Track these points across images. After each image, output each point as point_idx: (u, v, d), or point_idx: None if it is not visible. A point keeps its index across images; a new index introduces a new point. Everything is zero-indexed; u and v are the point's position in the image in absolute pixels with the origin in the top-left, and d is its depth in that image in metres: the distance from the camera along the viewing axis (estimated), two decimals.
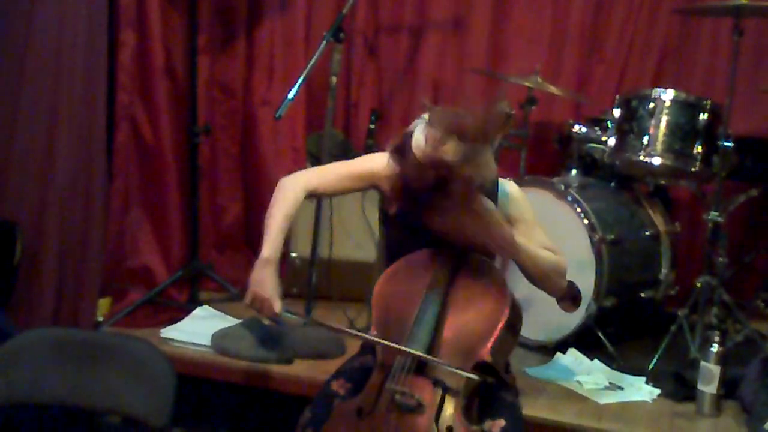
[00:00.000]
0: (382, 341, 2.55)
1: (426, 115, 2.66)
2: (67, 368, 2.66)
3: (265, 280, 2.68)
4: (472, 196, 2.55)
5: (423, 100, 2.71)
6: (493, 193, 2.88)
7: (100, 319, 3.90)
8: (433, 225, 2.64)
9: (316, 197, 3.04)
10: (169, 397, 2.59)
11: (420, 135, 2.59)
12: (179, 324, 3.82)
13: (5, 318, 3.38)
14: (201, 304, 4.05)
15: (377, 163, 2.81)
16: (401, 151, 2.61)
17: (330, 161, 3.75)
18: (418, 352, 2.48)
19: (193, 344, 3.63)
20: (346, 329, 2.78)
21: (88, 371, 2.66)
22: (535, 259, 2.79)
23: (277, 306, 2.67)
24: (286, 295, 4.38)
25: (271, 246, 2.72)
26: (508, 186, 2.94)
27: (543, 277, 2.83)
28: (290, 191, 2.81)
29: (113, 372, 2.64)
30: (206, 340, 3.62)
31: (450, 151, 2.50)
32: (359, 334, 2.73)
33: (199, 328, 3.74)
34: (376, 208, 3.64)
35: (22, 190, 3.66)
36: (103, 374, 2.65)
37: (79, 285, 3.78)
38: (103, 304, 3.99)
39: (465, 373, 2.47)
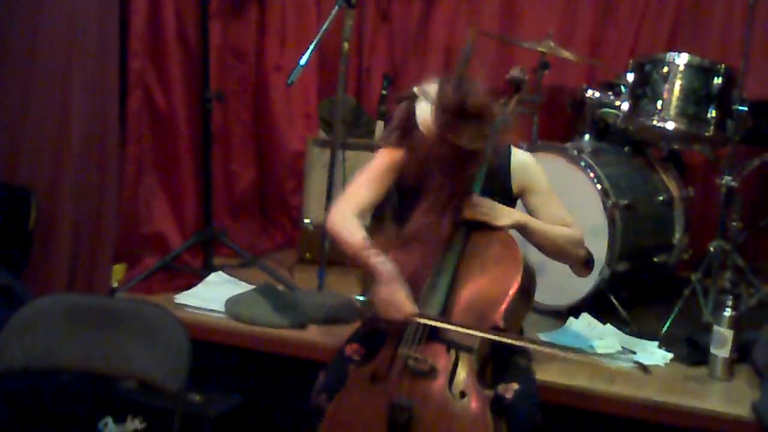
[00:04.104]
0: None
1: (424, 87, 2.68)
2: (83, 334, 2.67)
3: (397, 294, 2.59)
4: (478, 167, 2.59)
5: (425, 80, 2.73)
6: (506, 162, 2.89)
7: (115, 285, 3.91)
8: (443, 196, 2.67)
9: (365, 213, 2.98)
10: (184, 362, 2.61)
11: (424, 111, 2.62)
12: (193, 290, 3.84)
13: (21, 284, 3.40)
14: (215, 270, 4.07)
15: (391, 155, 2.84)
16: (409, 131, 2.64)
17: (342, 127, 3.76)
18: (431, 322, 2.49)
19: (207, 310, 3.65)
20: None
21: (103, 337, 2.67)
22: (549, 237, 2.82)
23: (414, 309, 2.57)
24: (299, 260, 4.45)
25: (379, 263, 2.64)
26: (522, 155, 2.94)
27: (559, 253, 2.87)
28: (346, 220, 2.79)
29: (128, 337, 2.66)
30: (220, 306, 3.64)
31: (459, 130, 2.53)
32: None
33: (213, 294, 3.76)
34: None
35: (36, 157, 3.66)
36: (118, 340, 2.66)
37: (94, 251, 3.80)
38: (118, 270, 4.01)
39: (478, 333, 2.48)
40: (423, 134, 2.64)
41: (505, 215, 2.75)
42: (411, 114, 2.72)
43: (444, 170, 2.63)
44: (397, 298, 2.56)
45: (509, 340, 2.57)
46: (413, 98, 2.73)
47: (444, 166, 2.62)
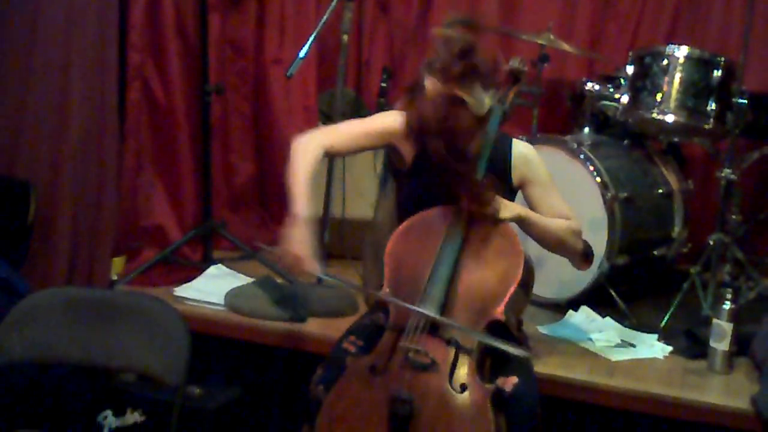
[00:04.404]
0: (401, 302, 2.56)
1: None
2: (82, 327, 2.68)
3: (301, 238, 2.62)
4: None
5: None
6: (507, 154, 2.89)
7: (115, 278, 3.92)
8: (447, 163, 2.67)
9: (332, 156, 3.02)
10: (184, 355, 2.61)
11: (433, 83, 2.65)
12: (193, 283, 3.84)
13: (20, 278, 3.40)
14: (214, 263, 4.06)
15: (391, 120, 2.83)
16: (415, 90, 2.65)
17: (342, 120, 3.75)
18: (432, 314, 2.49)
19: (207, 303, 3.65)
20: (374, 291, 2.77)
21: (102, 330, 2.67)
22: (549, 231, 2.83)
23: (315, 266, 2.61)
24: None
25: (300, 203, 2.69)
26: (523, 147, 2.94)
27: (558, 246, 2.88)
28: (309, 150, 2.80)
29: (128, 330, 2.66)
30: (220, 299, 3.64)
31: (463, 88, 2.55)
32: (395, 300, 2.63)
33: (212, 287, 3.76)
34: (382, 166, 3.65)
35: (35, 150, 3.66)
36: (117, 333, 2.67)
37: (93, 244, 3.80)
38: (117, 263, 4.01)
39: (479, 335, 2.49)
40: (427, 93, 2.65)
41: (505, 208, 2.74)
42: (420, 79, 2.73)
43: (444, 136, 2.63)
44: (300, 250, 2.58)
45: (500, 346, 2.53)
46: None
47: (445, 132, 2.62)
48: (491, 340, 2.49)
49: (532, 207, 2.89)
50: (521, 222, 2.81)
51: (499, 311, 2.55)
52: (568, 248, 2.90)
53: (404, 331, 2.51)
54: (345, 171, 4.08)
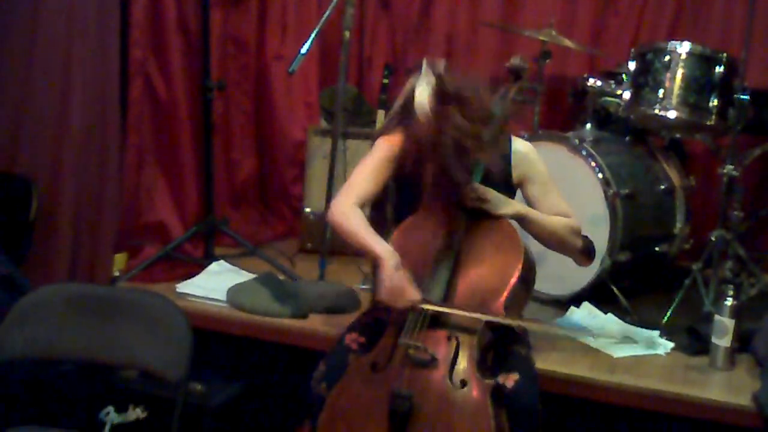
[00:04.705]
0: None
1: (422, 73, 2.69)
2: (84, 323, 2.68)
3: (401, 281, 2.59)
4: (484, 151, 2.59)
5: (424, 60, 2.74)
6: (506, 152, 2.90)
7: (116, 274, 3.92)
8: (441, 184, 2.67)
9: (366, 204, 2.98)
10: (185, 351, 2.61)
11: (422, 97, 2.63)
12: (195, 279, 3.84)
13: (22, 274, 3.40)
14: (216, 259, 4.06)
15: (389, 143, 2.84)
16: (406, 119, 2.65)
17: (343, 116, 3.75)
18: (436, 308, 2.50)
19: (209, 299, 3.65)
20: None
21: (104, 326, 2.68)
22: (548, 228, 2.84)
23: (417, 295, 2.58)
24: (300, 250, 4.45)
25: (377, 244, 2.67)
26: (523, 145, 2.95)
27: (557, 244, 2.90)
28: (348, 212, 2.78)
29: (130, 327, 2.66)
30: (221, 295, 3.64)
31: (455, 116, 2.55)
32: None
33: (214, 283, 3.76)
34: None
35: (37, 147, 3.67)
36: (119, 329, 2.67)
37: (95, 241, 3.81)
38: (119, 259, 4.01)
39: (483, 316, 2.49)
40: (420, 121, 2.64)
41: (505, 205, 2.75)
42: (410, 99, 2.72)
43: (438, 159, 2.63)
44: (401, 285, 2.57)
45: (510, 321, 2.57)
46: (418, 73, 2.74)
47: (438, 154, 2.62)
48: (495, 318, 2.50)
49: (531, 205, 2.90)
50: (521, 219, 2.82)
51: (499, 306, 2.55)
52: (567, 246, 2.92)
53: (404, 328, 2.52)
54: (346, 168, 4.09)
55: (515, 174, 2.90)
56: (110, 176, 3.85)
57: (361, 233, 2.71)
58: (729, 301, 3.18)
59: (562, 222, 2.87)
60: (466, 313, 2.52)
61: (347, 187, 2.90)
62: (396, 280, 2.58)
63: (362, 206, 2.83)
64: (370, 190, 2.86)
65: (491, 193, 2.75)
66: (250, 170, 4.84)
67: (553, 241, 2.90)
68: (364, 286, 3.70)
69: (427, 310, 2.53)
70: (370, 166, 2.88)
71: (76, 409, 3.30)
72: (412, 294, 2.57)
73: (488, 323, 2.55)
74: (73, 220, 3.71)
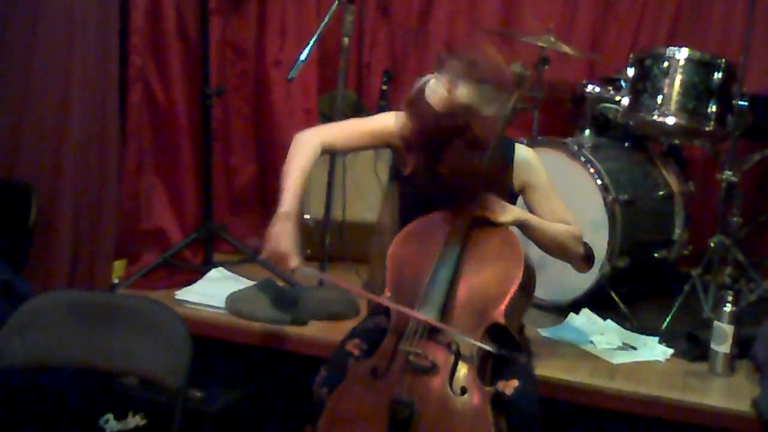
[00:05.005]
0: (400, 307, 2.56)
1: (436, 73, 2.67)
2: (83, 330, 2.68)
3: (283, 234, 2.64)
4: (491, 137, 2.57)
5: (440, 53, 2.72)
6: (509, 158, 2.89)
7: (116, 281, 3.92)
8: (450, 177, 2.65)
9: (331, 153, 3.01)
10: (185, 358, 2.61)
11: (434, 85, 2.60)
12: (194, 286, 3.84)
13: (21, 281, 3.40)
14: (215, 266, 4.06)
15: (391, 120, 2.81)
16: (417, 103, 2.61)
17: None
18: (430, 319, 2.49)
19: (208, 306, 3.65)
20: (365, 292, 2.78)
21: (103, 333, 2.68)
22: (549, 235, 2.84)
23: (295, 261, 2.63)
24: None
25: (289, 200, 2.70)
26: (526, 152, 2.94)
27: (559, 250, 2.90)
28: (307, 145, 2.81)
29: (129, 334, 2.67)
30: (221, 302, 3.64)
31: (466, 94, 2.52)
32: (382, 299, 2.70)
33: (213, 290, 3.76)
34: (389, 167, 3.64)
35: (36, 153, 3.66)
36: (118, 336, 2.67)
37: (95, 247, 3.80)
38: (118, 266, 4.01)
39: (477, 343, 2.49)
40: (430, 105, 2.60)
41: (506, 211, 2.75)
42: (421, 90, 2.68)
43: (443, 146, 2.60)
44: (281, 237, 2.61)
45: (497, 352, 2.55)
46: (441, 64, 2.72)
47: (444, 137, 2.59)
48: (486, 346, 2.49)
49: (532, 211, 2.90)
50: (522, 226, 2.82)
51: (499, 314, 2.55)
52: (569, 252, 2.92)
53: (405, 334, 2.52)
54: (345, 174, 4.09)
55: (517, 181, 2.90)
56: (109, 182, 3.85)
57: (291, 175, 2.73)
58: (728, 307, 3.18)
59: (563, 229, 2.87)
60: (452, 332, 2.51)
61: (329, 127, 2.95)
62: (278, 232, 2.62)
63: (326, 151, 2.86)
64: (343, 144, 2.90)
65: (492, 200, 2.75)
66: (250, 176, 4.84)
67: (555, 248, 2.90)
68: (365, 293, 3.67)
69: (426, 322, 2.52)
70: (361, 126, 2.91)
71: (75, 416, 3.29)
72: (291, 259, 2.61)
73: (488, 330, 2.54)
74: (72, 227, 3.70)
